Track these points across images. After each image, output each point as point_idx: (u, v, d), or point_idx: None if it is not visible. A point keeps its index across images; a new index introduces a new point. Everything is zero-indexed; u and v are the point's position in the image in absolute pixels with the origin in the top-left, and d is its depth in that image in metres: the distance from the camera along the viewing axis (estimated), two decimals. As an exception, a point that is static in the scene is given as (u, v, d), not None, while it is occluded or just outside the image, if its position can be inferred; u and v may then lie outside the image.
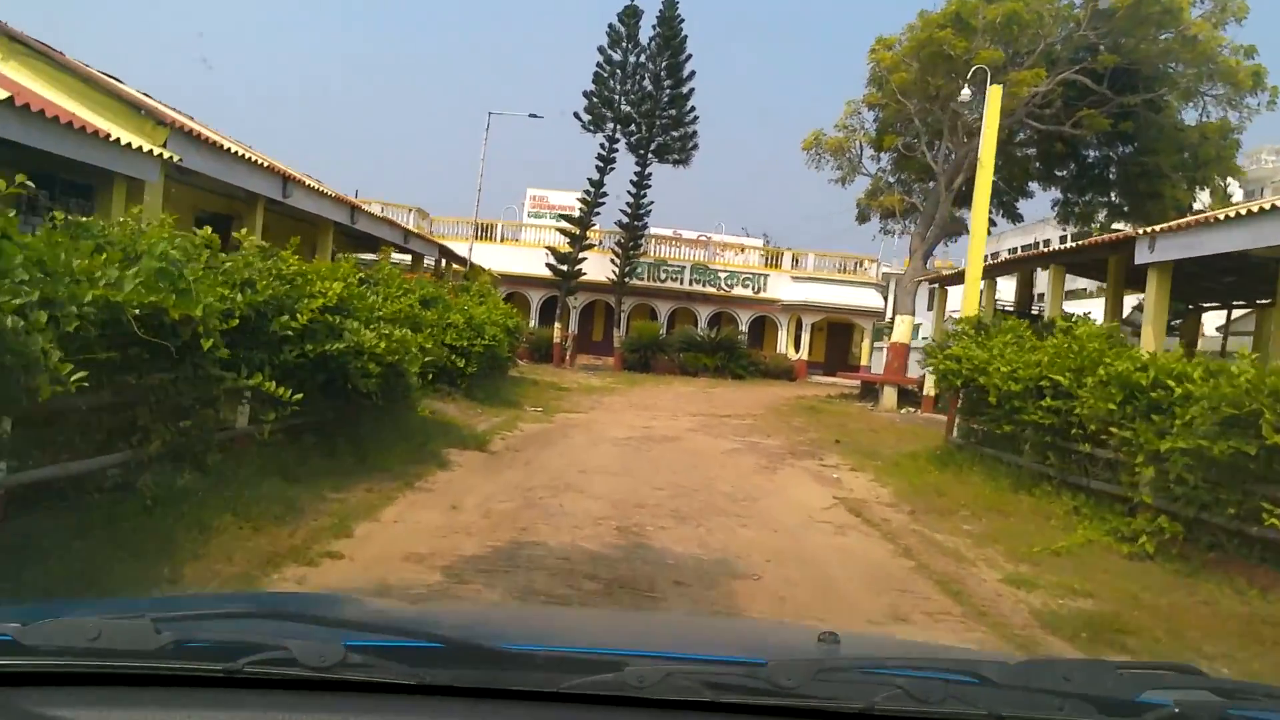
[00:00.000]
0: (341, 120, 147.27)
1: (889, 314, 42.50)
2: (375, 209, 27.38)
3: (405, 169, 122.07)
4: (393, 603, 3.74)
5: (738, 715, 1.08)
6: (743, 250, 35.93)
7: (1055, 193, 28.80)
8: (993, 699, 1.09)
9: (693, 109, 32.33)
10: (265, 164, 12.62)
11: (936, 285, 22.27)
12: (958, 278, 20.88)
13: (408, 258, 22.97)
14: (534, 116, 30.34)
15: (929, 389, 20.38)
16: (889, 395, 21.41)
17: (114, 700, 1.04)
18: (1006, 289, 58.67)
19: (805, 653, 1.47)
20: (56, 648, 1.07)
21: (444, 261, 26.29)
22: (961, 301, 12.81)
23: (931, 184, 25.71)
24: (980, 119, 21.02)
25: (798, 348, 35.64)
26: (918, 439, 14.69)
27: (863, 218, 30.77)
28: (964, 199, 26.01)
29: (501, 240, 35.67)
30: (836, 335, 38.75)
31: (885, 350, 38.90)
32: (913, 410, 20.79)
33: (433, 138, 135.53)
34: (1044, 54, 22.23)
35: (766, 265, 35.69)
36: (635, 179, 32.31)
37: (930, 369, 10.70)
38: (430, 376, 11.28)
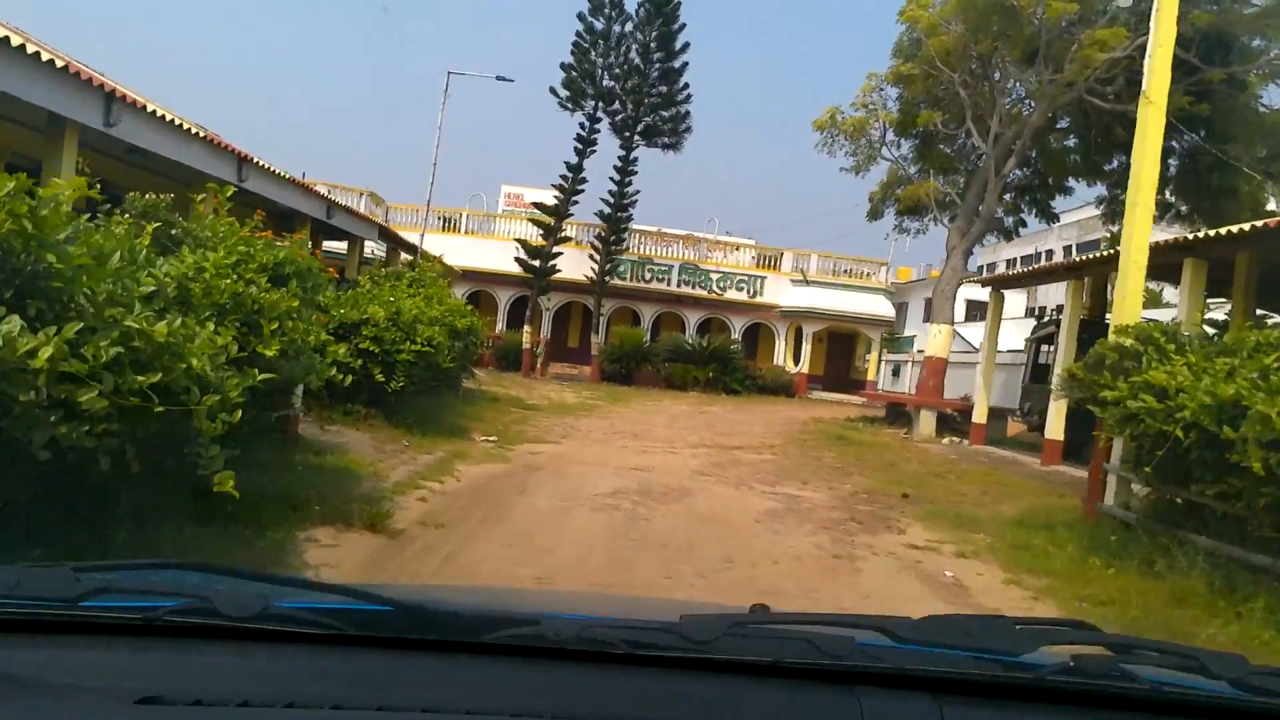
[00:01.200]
0: (295, 99, 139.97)
1: (922, 323, 38.90)
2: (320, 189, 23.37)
3: (367, 157, 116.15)
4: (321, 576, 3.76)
5: (657, 669, 1.10)
6: (737, 249, 32.08)
7: (1100, 189, 25.23)
8: (898, 654, 1.13)
9: (685, 86, 28.48)
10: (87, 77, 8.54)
11: (990, 289, 18.35)
12: (1018, 280, 17.00)
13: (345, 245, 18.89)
14: (503, 79, 26.26)
15: (978, 415, 16.57)
16: (926, 421, 17.57)
17: (35, 645, 1.05)
18: (1014, 303, 54.88)
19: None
20: None
21: (393, 250, 22.15)
22: (1116, 304, 8.93)
23: (951, 175, 22.01)
24: (1051, 78, 17.35)
25: (797, 360, 31.82)
26: (1011, 490, 10.84)
27: (875, 214, 27.02)
28: (1014, 189, 22.41)
29: (466, 232, 31.56)
30: (837, 347, 35.01)
31: (911, 364, 35.17)
32: (959, 440, 16.96)
33: (399, 122, 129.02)
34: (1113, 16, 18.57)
35: (763, 266, 31.85)
36: (619, 164, 28.39)
37: (1105, 410, 6.75)
38: (333, 390, 7.30)
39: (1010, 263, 64.68)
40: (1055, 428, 13.50)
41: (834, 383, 33.76)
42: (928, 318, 62.62)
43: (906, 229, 27.18)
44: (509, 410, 15.39)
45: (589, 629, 1.11)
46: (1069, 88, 18.56)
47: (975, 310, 58.12)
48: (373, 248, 23.66)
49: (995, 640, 1.19)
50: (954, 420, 18.47)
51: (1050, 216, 26.54)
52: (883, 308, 31.37)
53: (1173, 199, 24.13)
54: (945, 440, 17.06)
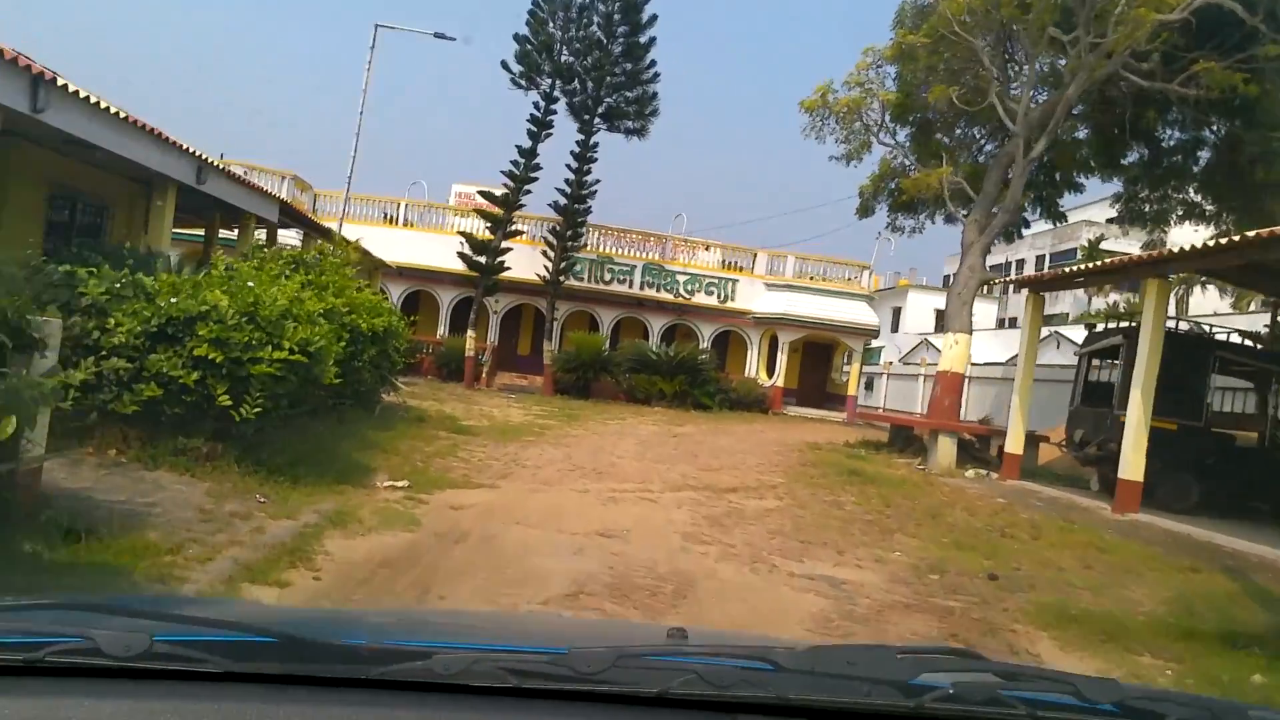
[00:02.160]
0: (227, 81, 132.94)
1: (890, 333, 36.28)
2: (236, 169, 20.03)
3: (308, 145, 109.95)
4: (218, 602, 3.42)
5: (546, 702, 1.10)
6: (706, 249, 29.03)
7: (1117, 185, 22.66)
8: (781, 683, 1.14)
9: (653, 64, 25.42)
10: None
11: (1026, 290, 15.31)
12: (1065, 280, 14.06)
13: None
14: (441, 37, 22.77)
15: (1012, 443, 13.66)
16: (944, 449, 14.60)
17: None
18: (983, 314, 52.34)
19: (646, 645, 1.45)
20: None
21: (311, 239, 18.67)
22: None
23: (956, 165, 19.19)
24: (1095, 41, 14.60)
25: (771, 371, 28.86)
26: (1120, 562, 7.94)
27: (865, 210, 24.22)
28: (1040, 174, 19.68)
29: (405, 224, 28.08)
30: (812, 357, 32.18)
31: (887, 377, 32.55)
32: (986, 473, 14.04)
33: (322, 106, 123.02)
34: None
35: (734, 269, 28.86)
36: (577, 150, 25.19)
37: None
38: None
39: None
40: (1133, 465, 10.60)
41: (810, 397, 30.91)
42: (895, 328, 60.09)
43: (900, 227, 24.44)
44: (436, 436, 12.06)
45: (478, 662, 1.11)
46: (1108, 59, 15.83)
47: (943, 320, 56.09)
48: (292, 239, 20.21)
49: (877, 669, 1.22)
50: (973, 447, 15.58)
51: (1058, 216, 23.96)
52: (865, 315, 28.58)
53: (1198, 197, 21.67)
54: (969, 472, 14.14)
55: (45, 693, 1.02)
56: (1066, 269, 13.01)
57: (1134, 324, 12.26)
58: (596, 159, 25.36)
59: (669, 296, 28.26)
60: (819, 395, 31.63)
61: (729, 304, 28.49)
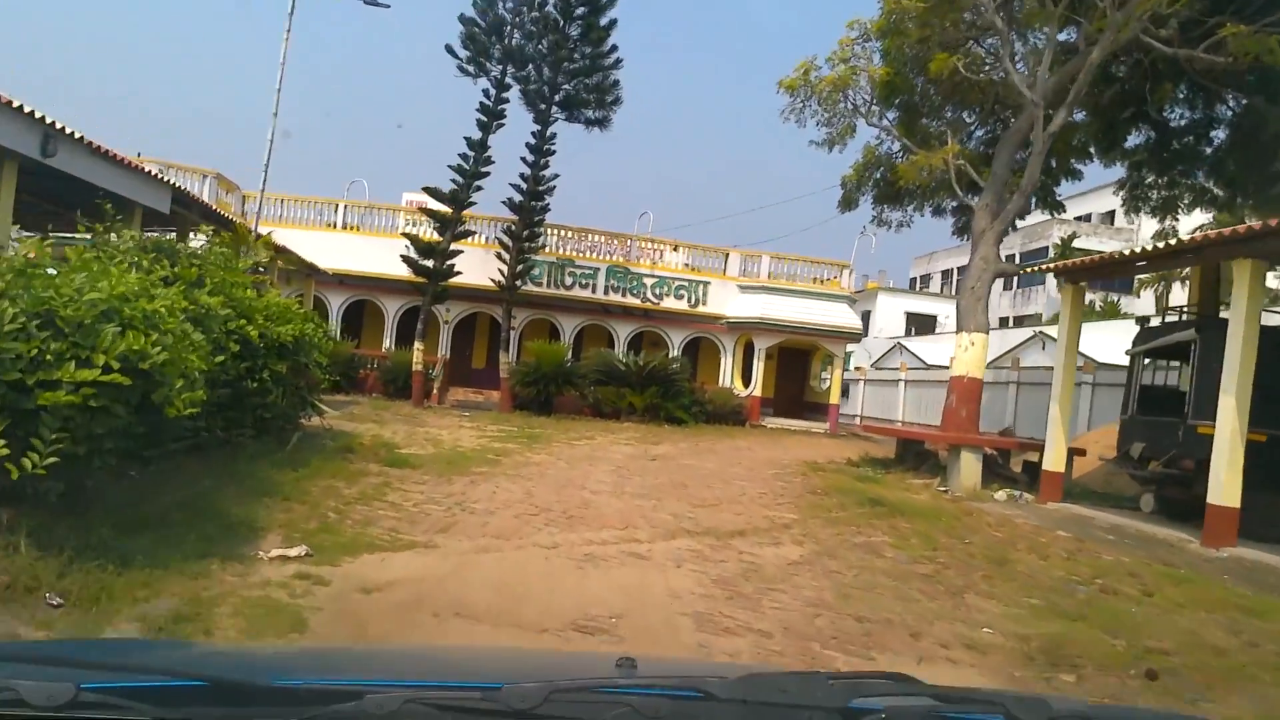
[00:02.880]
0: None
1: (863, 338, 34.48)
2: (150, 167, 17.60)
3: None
4: (147, 645, 3.06)
5: None
6: (675, 249, 26.87)
7: (1120, 171, 20.96)
8: (712, 713, 1.18)
9: (614, 50, 23.25)
10: None
11: (1062, 280, 13.23)
12: (1117, 267, 11.97)
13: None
14: (374, 4, 20.06)
15: (1052, 459, 11.65)
16: (969, 467, 12.55)
17: None
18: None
19: (594, 676, 1.45)
20: None
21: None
22: None
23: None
24: None
25: (747, 380, 26.77)
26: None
27: (848, 202, 22.29)
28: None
29: (345, 227, 25.55)
30: (788, 364, 30.15)
31: (864, 383, 30.61)
32: (1019, 495, 12.02)
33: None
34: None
35: (705, 271, 26.73)
36: (534, 141, 22.94)
37: None
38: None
39: (946, 274, 61.42)
40: (1227, 487, 8.60)
41: (787, 407, 28.86)
42: (865, 332, 58.40)
43: (886, 221, 22.52)
44: (364, 472, 9.69)
45: (411, 701, 1.10)
46: (1122, 25, 13.99)
47: (914, 323, 54.59)
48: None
49: (808, 695, 1.23)
50: (995, 463, 13.58)
51: (1055, 205, 22.21)
52: (847, 317, 26.62)
53: (1209, 182, 20.03)
54: (999, 494, 12.11)
55: None
56: (1123, 252, 10.98)
57: (1200, 316, 10.33)
58: (554, 151, 23.15)
59: (636, 301, 26.06)
60: (797, 405, 29.61)
61: (700, 308, 26.38)
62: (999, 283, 55.33)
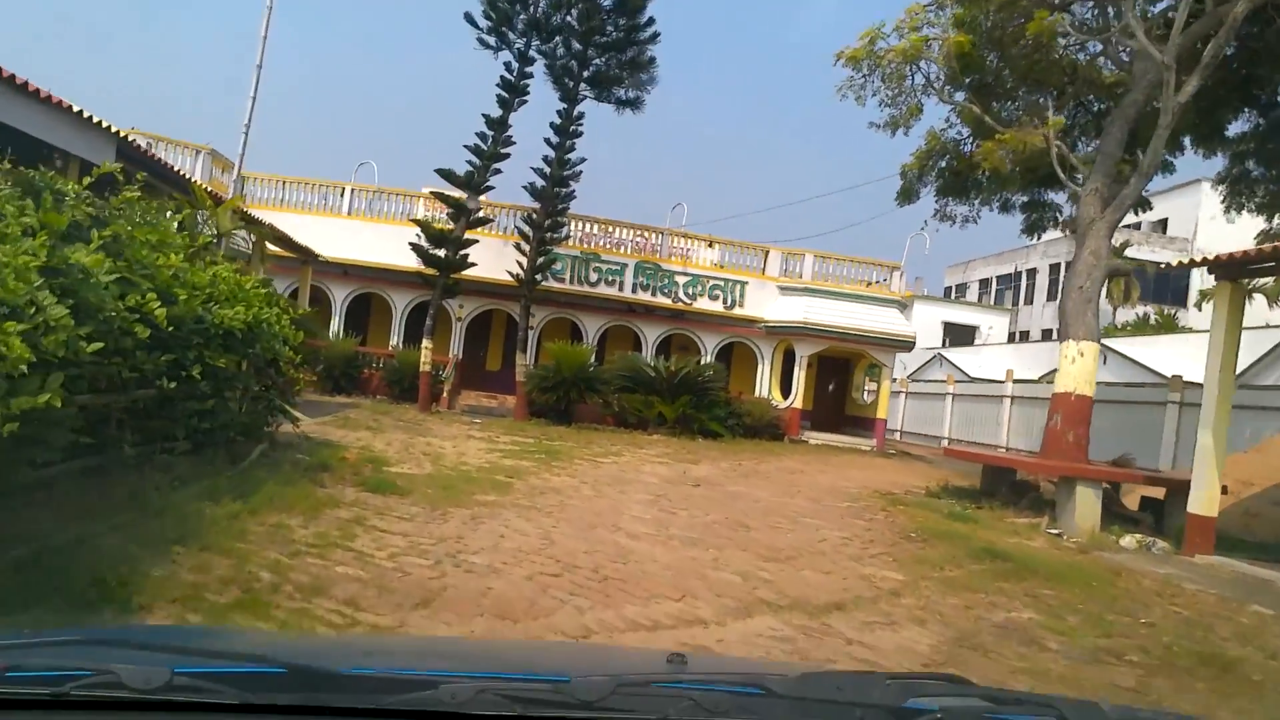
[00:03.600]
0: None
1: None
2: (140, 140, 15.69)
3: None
4: (230, 632, 3.28)
5: None
6: (710, 245, 24.60)
7: (1221, 161, 18.52)
8: (772, 708, 1.21)
9: (651, 22, 21.03)
10: None
11: (1220, 277, 10.63)
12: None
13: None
14: None
15: (1203, 500, 9.27)
16: (1086, 505, 10.18)
17: None
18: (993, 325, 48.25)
19: (647, 672, 1.52)
20: None
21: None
22: None
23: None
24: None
25: (785, 390, 24.45)
26: None
27: (908, 194, 19.94)
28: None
29: (351, 214, 23.46)
30: (827, 374, 27.82)
31: (905, 396, 28.28)
32: (1154, 542, 9.63)
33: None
34: None
35: (743, 270, 24.43)
36: (559, 121, 20.76)
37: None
38: None
39: (984, 284, 58.75)
40: None
41: (826, 420, 26.51)
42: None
43: (950, 215, 20.17)
44: (335, 499, 7.45)
45: (483, 691, 1.13)
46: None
47: (951, 333, 51.98)
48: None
49: (865, 694, 1.25)
50: (1111, 500, 11.20)
51: (1141, 202, 19.80)
52: (898, 323, 24.23)
53: (1251, 165, 17.62)
54: (1128, 540, 9.75)
55: None
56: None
57: None
58: (581, 133, 20.94)
59: (666, 301, 23.81)
60: (836, 418, 27.25)
61: (736, 310, 24.09)
62: (1041, 293, 52.82)
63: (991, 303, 55.38)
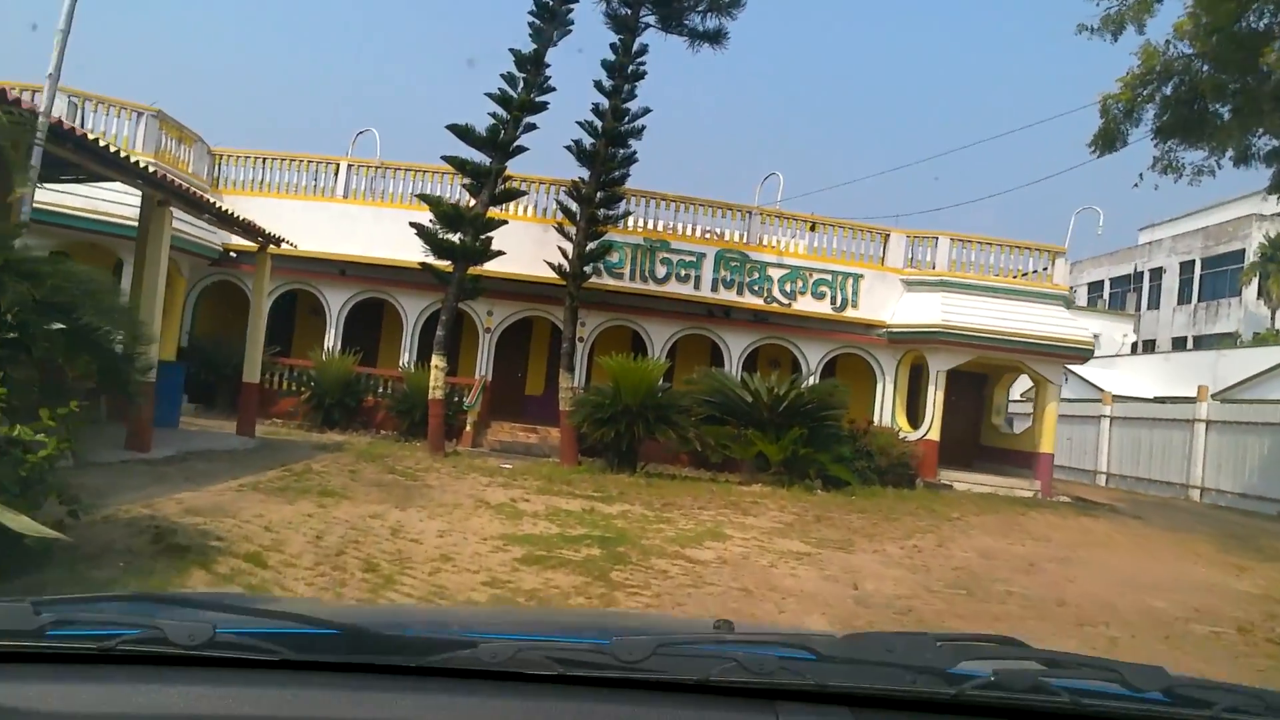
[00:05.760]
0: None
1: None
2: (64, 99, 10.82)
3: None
4: (270, 599, 3.50)
5: (589, 689, 1.12)
6: (812, 228, 18.85)
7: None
8: (821, 671, 1.14)
9: (734, -74, 15.56)
10: None
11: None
12: None
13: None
14: None
15: None
16: None
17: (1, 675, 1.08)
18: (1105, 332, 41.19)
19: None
20: None
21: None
22: None
23: None
24: None
25: (914, 417, 18.60)
26: None
27: (1109, 137, 14.11)
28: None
29: (349, 196, 18.28)
30: (958, 393, 21.74)
31: (1109, 424, 21.91)
32: None
33: None
34: None
35: (856, 260, 18.63)
36: (614, 58, 15.35)
37: None
38: None
39: (1094, 286, 51.64)
40: None
41: (955, 453, 20.39)
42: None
43: (1177, 165, 14.21)
44: None
45: (522, 651, 1.13)
46: None
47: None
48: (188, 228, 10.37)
49: (916, 656, 1.20)
50: None
51: None
52: (1066, 325, 18.17)
53: None
54: None
55: (116, 679, 1.09)
56: None
57: None
58: (645, 74, 15.50)
59: (757, 301, 18.13)
60: (968, 451, 21.09)
61: (848, 312, 18.31)
62: (1170, 295, 45.59)
63: (1106, 307, 48.37)
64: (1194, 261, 43.09)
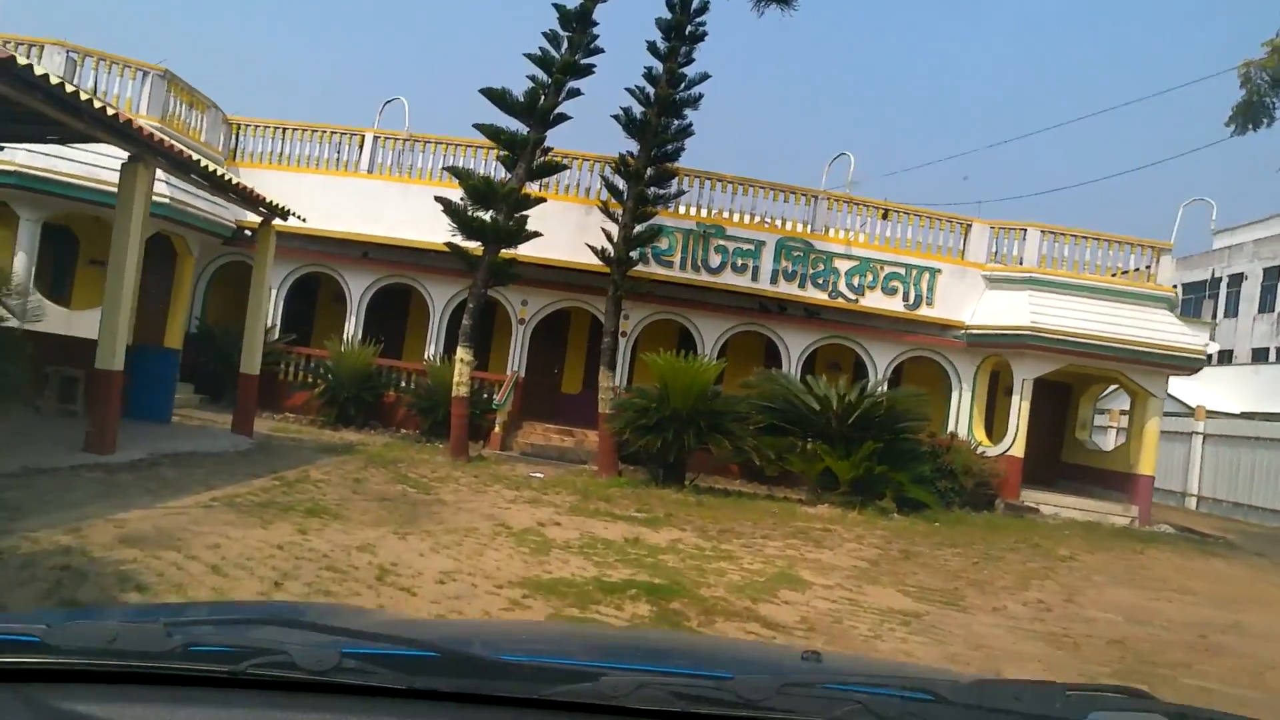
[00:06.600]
0: None
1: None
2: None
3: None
4: (390, 615, 3.57)
5: None
6: (884, 215, 16.90)
7: None
8: (947, 716, 1.12)
9: None
10: None
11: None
12: None
13: None
14: None
15: None
16: None
17: (128, 697, 1.07)
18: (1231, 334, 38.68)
19: (786, 670, 1.49)
20: (79, 648, 1.09)
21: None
22: None
23: None
24: None
25: (992, 429, 16.60)
26: None
27: (1250, 112, 12.05)
28: None
29: (374, 171, 16.70)
30: (1040, 403, 19.60)
31: (1202, 442, 19.71)
32: None
33: None
34: None
35: (932, 253, 16.65)
36: (669, 20, 13.59)
37: None
38: None
39: (1210, 289, 48.61)
40: None
41: (1037, 471, 18.28)
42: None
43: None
44: None
45: (645, 686, 1.11)
46: None
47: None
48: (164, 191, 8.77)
49: (1045, 706, 1.19)
50: None
51: None
52: (1172, 330, 16.05)
53: None
54: None
55: (245, 704, 1.07)
56: None
57: None
58: (704, 35, 13.72)
59: (821, 296, 16.24)
60: (1049, 468, 18.97)
61: (922, 310, 16.35)
62: (1250, 303, 42.63)
63: (1179, 314, 45.47)
64: (1260, 272, 40.24)
